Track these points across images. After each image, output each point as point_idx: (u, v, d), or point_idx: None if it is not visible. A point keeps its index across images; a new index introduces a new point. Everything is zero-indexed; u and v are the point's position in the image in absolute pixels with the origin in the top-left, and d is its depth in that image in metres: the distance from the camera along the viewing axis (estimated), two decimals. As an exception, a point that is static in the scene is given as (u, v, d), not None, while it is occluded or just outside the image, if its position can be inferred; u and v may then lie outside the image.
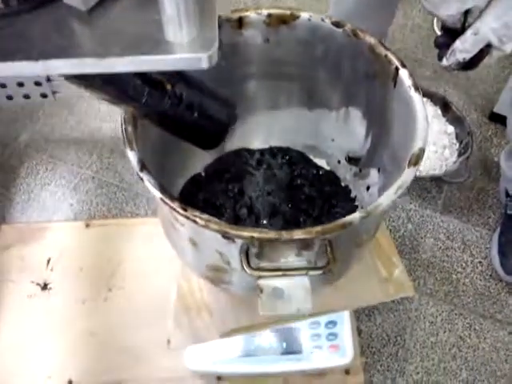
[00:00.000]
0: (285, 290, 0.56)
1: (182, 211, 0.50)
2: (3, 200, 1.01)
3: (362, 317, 0.87)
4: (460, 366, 0.84)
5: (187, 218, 0.49)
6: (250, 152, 0.84)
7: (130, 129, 0.56)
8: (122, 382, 0.81)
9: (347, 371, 0.81)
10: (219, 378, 0.81)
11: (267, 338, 0.77)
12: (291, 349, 0.77)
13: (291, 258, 0.53)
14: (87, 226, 0.97)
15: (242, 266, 0.51)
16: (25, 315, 0.87)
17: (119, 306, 0.87)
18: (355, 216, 0.50)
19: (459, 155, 1.00)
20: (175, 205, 0.50)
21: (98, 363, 0.83)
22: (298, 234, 0.49)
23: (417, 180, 1.03)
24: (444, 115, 1.08)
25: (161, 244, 0.88)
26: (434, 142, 1.01)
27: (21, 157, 1.08)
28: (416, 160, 0.54)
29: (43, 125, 1.13)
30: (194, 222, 0.49)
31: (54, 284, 0.90)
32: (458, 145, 1.04)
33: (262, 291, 0.55)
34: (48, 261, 0.92)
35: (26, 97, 0.99)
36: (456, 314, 0.89)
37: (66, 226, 0.98)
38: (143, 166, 0.53)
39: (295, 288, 0.56)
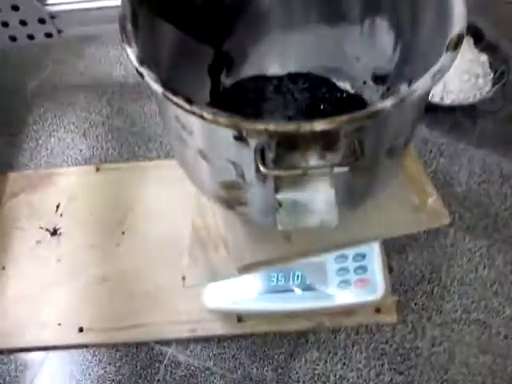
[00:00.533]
0: (306, 203, 0.49)
1: (187, 105, 0.43)
2: (11, 148, 0.97)
3: (393, 254, 0.81)
4: (502, 304, 0.77)
5: (193, 113, 0.43)
6: (267, 78, 0.77)
7: (129, 26, 0.49)
8: (136, 327, 0.76)
9: (378, 309, 0.75)
10: (239, 319, 0.75)
11: (289, 274, 0.71)
12: (316, 285, 0.71)
13: (313, 162, 0.46)
14: (97, 170, 0.92)
15: (258, 168, 0.45)
16: (34, 262, 0.83)
17: (132, 249, 0.82)
18: (386, 103, 0.43)
19: (494, 85, 0.92)
20: (179, 99, 0.44)
21: (109, 309, 0.78)
22: (320, 125, 0.42)
23: (448, 112, 0.95)
24: (476, 43, 0.99)
25: (175, 186, 0.84)
26: (467, 71, 0.93)
27: (28, 105, 1.03)
28: (455, 44, 0.47)
29: (52, 72, 1.08)
30: (201, 117, 0.43)
31: (63, 229, 0.86)
32: (492, 74, 0.96)
33: (280, 205, 0.49)
34: (57, 206, 0.88)
35: (30, 37, 0.94)
36: (496, 249, 0.81)
37: (75, 171, 0.93)
38: (142, 62, 0.47)
39: (318, 199, 0.49)
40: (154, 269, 0.80)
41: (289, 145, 0.45)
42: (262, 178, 0.49)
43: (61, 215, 0.87)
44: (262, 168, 0.44)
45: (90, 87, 1.06)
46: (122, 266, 0.81)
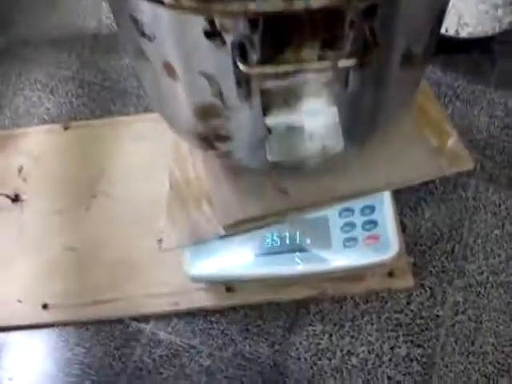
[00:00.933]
0: (303, 126, 0.38)
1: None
2: (-31, 109, 0.86)
3: (406, 210, 0.70)
4: (534, 262, 0.66)
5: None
6: None
7: None
8: (109, 302, 0.65)
9: (390, 273, 0.64)
10: (229, 288, 0.64)
11: (286, 234, 0.60)
12: (317, 245, 0.60)
13: (308, 56, 0.35)
14: (66, 128, 0.81)
15: (236, 66, 0.34)
16: (-7, 231, 0.72)
17: (104, 214, 0.71)
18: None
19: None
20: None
21: (78, 283, 0.68)
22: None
23: (464, 51, 0.84)
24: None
25: (154, 142, 0.73)
26: (484, 0, 0.80)
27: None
28: None
29: (23, 26, 0.96)
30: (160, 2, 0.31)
31: (27, 195, 0.75)
32: (512, 5, 0.83)
33: (270, 131, 0.38)
34: (19, 169, 0.77)
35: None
36: (524, 201, 0.70)
37: (40, 131, 0.82)
38: None
39: (316, 120, 0.38)
40: (128, 235, 0.69)
41: (277, 39, 0.33)
42: (245, 94, 0.37)
43: (24, 180, 0.76)
44: (241, 66, 0.33)
45: (60, 41, 0.94)
46: (92, 234, 0.70)
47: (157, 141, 0.73)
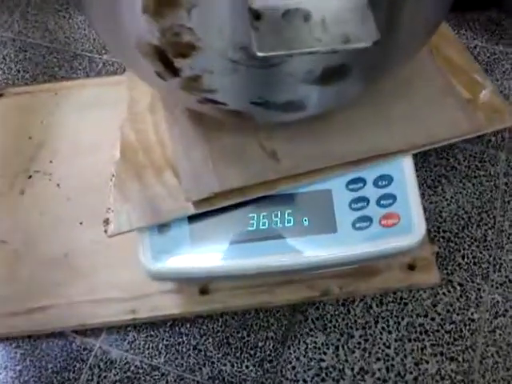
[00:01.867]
0: (310, 10, 0.24)
1: None
2: None
3: (424, 189, 0.56)
4: None
5: None
6: None
7: None
8: (46, 309, 0.49)
9: (412, 266, 0.50)
10: (203, 289, 0.49)
11: (277, 213, 0.45)
12: (318, 227, 0.45)
13: None
14: (0, 96, 0.64)
15: None
16: None
17: (42, 199, 0.56)
18: None
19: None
20: None
21: (8, 285, 0.51)
22: None
23: (480, 9, 0.71)
24: None
25: (104, 111, 0.58)
26: None
27: None
28: None
29: None
30: None
31: None
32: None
33: (258, 18, 0.23)
34: None
35: None
36: None
37: (-33, 100, 0.65)
38: None
39: (333, 4, 0.24)
40: (72, 225, 0.53)
41: None
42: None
43: None
44: None
45: None
46: (26, 223, 0.55)
47: (108, 109, 0.58)
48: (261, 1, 0.24)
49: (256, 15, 0.24)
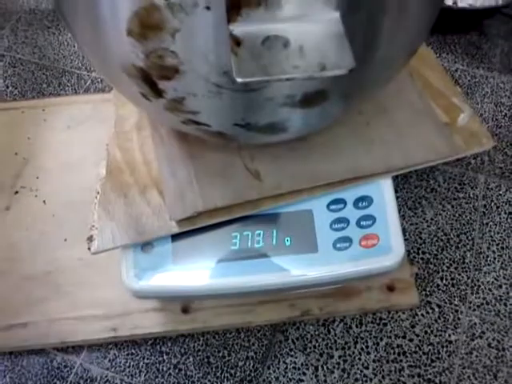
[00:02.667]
0: (289, 37, 0.25)
1: None
2: None
3: (404, 210, 0.57)
4: None
5: None
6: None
7: None
8: (26, 326, 0.50)
9: (391, 287, 0.51)
10: (185, 308, 0.49)
11: (259, 232, 0.46)
12: (299, 247, 0.45)
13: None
14: (-13, 112, 0.65)
15: None
16: None
17: (27, 214, 0.56)
18: None
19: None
20: None
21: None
22: None
23: (461, 32, 0.73)
24: None
25: (91, 128, 0.59)
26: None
27: None
28: None
29: None
30: None
31: None
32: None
33: (238, 44, 0.24)
34: None
35: None
36: (545, 200, 0.58)
37: (-46, 116, 0.65)
38: None
39: (311, 30, 0.25)
40: (55, 242, 0.54)
41: None
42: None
43: None
44: None
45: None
46: (10, 239, 0.55)
47: (96, 126, 0.59)
48: (241, 27, 0.25)
49: (236, 41, 0.25)
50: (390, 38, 0.31)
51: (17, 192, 0.58)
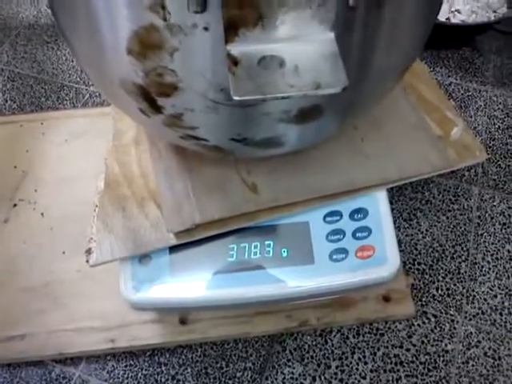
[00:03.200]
0: (284, 56, 0.26)
1: None
2: None
3: (400, 222, 0.57)
4: (557, 283, 0.54)
5: None
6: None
7: None
8: (24, 338, 0.50)
9: (387, 298, 0.51)
10: (183, 319, 0.50)
11: (256, 244, 0.46)
12: (296, 258, 0.46)
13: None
14: (-14, 126, 0.65)
15: None
16: None
17: (25, 227, 0.56)
18: None
19: (510, 2, 0.71)
20: None
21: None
22: None
23: (454, 47, 0.74)
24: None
25: (90, 142, 0.59)
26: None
27: None
28: None
29: None
30: None
31: None
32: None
33: (236, 64, 0.25)
34: None
35: None
36: (538, 211, 0.59)
37: (-47, 129, 0.66)
38: None
39: (306, 51, 0.26)
40: (53, 254, 0.54)
41: None
42: (199, 2, 0.24)
43: None
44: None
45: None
46: (9, 251, 0.55)
47: (94, 140, 0.59)
48: (239, 48, 0.26)
49: (234, 61, 0.26)
50: (383, 56, 0.32)
51: (15, 205, 0.58)
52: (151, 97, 0.32)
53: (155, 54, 0.28)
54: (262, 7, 0.25)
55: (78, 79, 0.71)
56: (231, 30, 0.26)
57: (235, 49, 0.26)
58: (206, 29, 0.26)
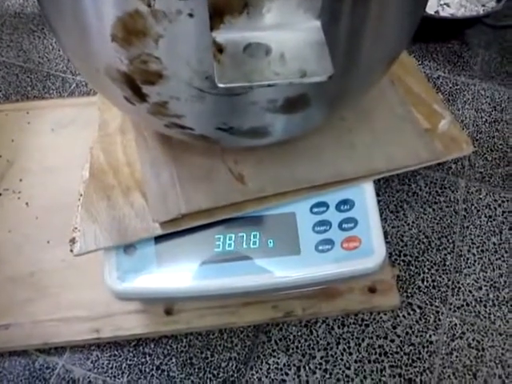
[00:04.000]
0: (270, 44, 0.25)
1: None
2: None
3: (386, 214, 0.57)
4: (541, 275, 0.54)
5: None
6: None
7: None
8: (8, 328, 0.49)
9: (372, 289, 0.52)
10: (168, 310, 0.50)
11: (242, 234, 0.46)
12: (282, 249, 0.46)
13: None
14: (-30, 114, 0.64)
15: None
16: None
17: (9, 217, 0.56)
18: None
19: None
20: None
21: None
22: None
23: (442, 41, 0.74)
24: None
25: (77, 131, 0.59)
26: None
27: None
28: None
29: None
30: None
31: None
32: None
33: (221, 51, 0.24)
34: None
35: None
36: (523, 204, 0.59)
37: None
38: None
39: (292, 39, 0.25)
40: (38, 244, 0.54)
41: None
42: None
43: None
44: None
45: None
46: (-7, 241, 0.54)
47: (80, 129, 0.59)
48: (224, 35, 0.26)
49: (219, 48, 0.25)
50: (370, 46, 0.32)
51: (0, 194, 0.57)
52: (136, 84, 0.31)
53: (140, 41, 0.28)
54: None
55: (65, 68, 0.71)
56: (216, 17, 0.25)
57: (220, 36, 0.26)
58: (190, 15, 0.26)
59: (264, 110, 0.33)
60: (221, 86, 0.24)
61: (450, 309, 0.52)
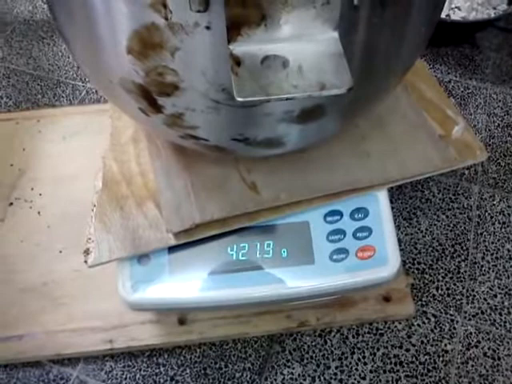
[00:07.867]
0: (288, 57, 0.25)
1: None
2: None
3: (399, 221, 0.57)
4: (557, 282, 0.54)
5: None
6: None
7: None
8: (22, 338, 0.49)
9: (387, 298, 0.51)
10: (182, 320, 0.49)
11: (256, 244, 0.46)
12: (296, 258, 0.46)
13: None
14: (-19, 123, 0.65)
15: None
16: None
17: (22, 226, 0.56)
18: None
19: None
20: None
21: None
22: None
23: (454, 45, 0.74)
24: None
25: (88, 139, 0.59)
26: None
27: None
28: None
29: None
30: None
31: None
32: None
33: (239, 64, 0.24)
34: None
35: None
36: (538, 210, 0.59)
37: None
38: None
39: (310, 50, 0.25)
40: (50, 253, 0.54)
41: None
42: (201, 1, 0.24)
43: None
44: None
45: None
46: (5, 250, 0.55)
47: (91, 137, 0.59)
48: (241, 47, 0.25)
49: (237, 61, 0.25)
50: (387, 56, 0.31)
51: (11, 203, 0.57)
52: (151, 96, 0.31)
53: (156, 54, 0.27)
54: (265, 6, 0.24)
55: (75, 76, 0.71)
56: (234, 30, 0.25)
57: (238, 48, 0.25)
58: (208, 28, 0.25)
59: (280, 120, 0.33)
60: (239, 99, 0.24)
61: (465, 317, 0.52)
